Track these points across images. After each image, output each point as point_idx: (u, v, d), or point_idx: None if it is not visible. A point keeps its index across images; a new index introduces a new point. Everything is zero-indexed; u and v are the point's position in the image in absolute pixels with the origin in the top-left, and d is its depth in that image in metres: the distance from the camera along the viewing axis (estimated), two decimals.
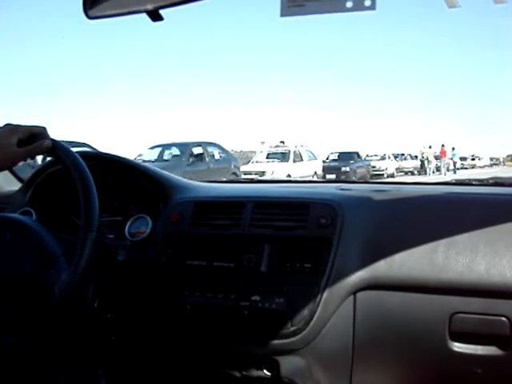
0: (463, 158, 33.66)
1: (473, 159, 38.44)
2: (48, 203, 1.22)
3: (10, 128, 0.86)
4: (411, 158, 24.77)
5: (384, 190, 1.10)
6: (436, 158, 21.67)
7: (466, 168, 31.96)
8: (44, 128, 0.90)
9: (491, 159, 43.98)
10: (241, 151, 21.99)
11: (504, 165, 41.59)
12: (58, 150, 0.90)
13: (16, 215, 1.01)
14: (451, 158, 22.41)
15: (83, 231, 0.84)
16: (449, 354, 0.87)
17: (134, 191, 1.20)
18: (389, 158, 21.74)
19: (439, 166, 20.99)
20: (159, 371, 1.10)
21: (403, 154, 24.98)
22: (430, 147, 21.49)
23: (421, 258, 0.88)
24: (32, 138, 0.87)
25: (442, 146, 21.06)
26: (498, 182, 1.27)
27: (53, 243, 0.89)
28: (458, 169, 23.68)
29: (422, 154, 21.87)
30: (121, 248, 1.05)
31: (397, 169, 21.83)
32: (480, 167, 35.69)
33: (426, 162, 21.33)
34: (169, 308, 1.00)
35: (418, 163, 23.21)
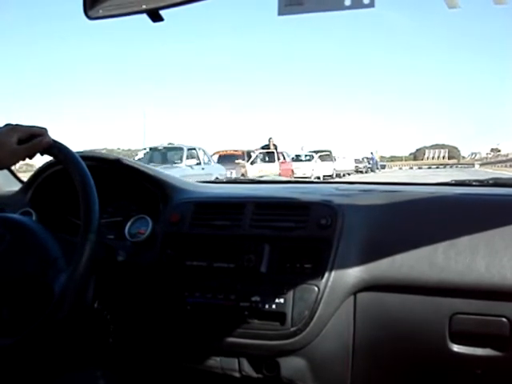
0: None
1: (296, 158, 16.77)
2: (48, 204, 1.22)
3: (10, 127, 0.87)
4: None
5: (384, 191, 1.10)
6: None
7: None
8: (45, 129, 0.90)
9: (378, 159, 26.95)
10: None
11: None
12: (58, 149, 0.90)
13: (16, 215, 1.01)
14: None
15: (83, 232, 0.84)
16: (449, 355, 0.87)
17: (134, 192, 1.20)
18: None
19: None
20: (159, 372, 1.10)
21: None
22: None
23: (421, 259, 0.88)
24: (32, 137, 0.87)
25: None
26: (498, 183, 1.26)
27: (52, 244, 0.89)
28: None
29: None
30: (121, 248, 1.05)
31: None
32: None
33: None
34: (169, 309, 1.00)
35: None
